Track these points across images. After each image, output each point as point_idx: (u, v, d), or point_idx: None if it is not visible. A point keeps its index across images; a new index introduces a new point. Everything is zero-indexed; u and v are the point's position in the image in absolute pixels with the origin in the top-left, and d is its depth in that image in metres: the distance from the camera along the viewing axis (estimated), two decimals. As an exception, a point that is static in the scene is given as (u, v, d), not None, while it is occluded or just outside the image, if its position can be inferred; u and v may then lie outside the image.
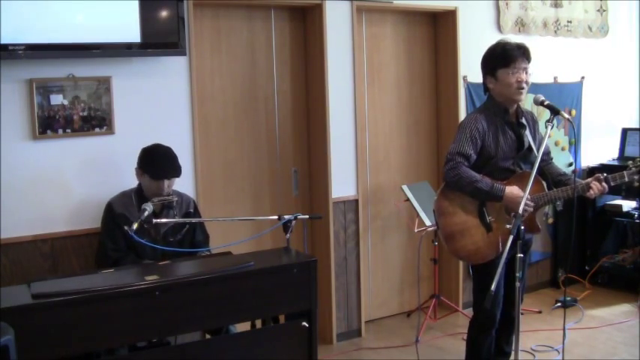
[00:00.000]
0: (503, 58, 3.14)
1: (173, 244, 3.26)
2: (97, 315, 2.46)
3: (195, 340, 3.10)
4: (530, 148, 3.23)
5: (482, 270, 3.18)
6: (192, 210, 3.43)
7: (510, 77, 3.12)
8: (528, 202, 3.01)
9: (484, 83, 3.27)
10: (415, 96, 4.89)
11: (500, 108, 3.20)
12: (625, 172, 3.11)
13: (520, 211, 2.74)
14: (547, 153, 3.38)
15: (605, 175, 3.13)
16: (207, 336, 3.23)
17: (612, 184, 3.12)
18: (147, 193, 3.26)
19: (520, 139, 3.21)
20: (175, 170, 3.28)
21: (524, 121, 3.25)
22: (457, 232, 3.16)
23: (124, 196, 3.31)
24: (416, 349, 4.14)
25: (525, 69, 3.15)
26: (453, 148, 3.14)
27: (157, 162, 3.24)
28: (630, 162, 3.16)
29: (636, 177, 3.11)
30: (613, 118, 5.67)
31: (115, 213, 3.23)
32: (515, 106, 3.23)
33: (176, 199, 3.26)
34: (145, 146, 3.33)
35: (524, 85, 3.14)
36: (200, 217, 3.49)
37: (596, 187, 3.08)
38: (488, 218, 3.14)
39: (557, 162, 5.28)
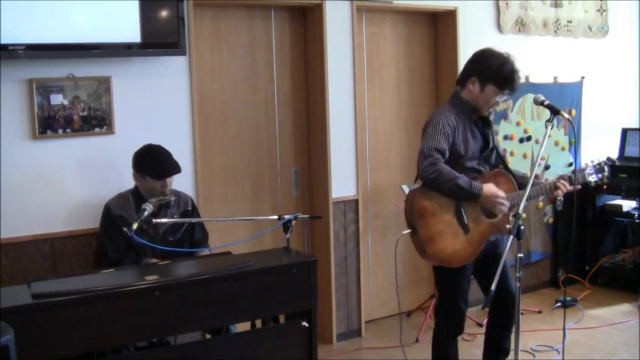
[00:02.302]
0: (502, 81, 3.07)
1: (172, 243, 3.26)
2: (97, 315, 2.46)
3: (195, 340, 3.10)
4: (492, 148, 3.22)
5: (451, 273, 3.13)
6: (190, 208, 3.43)
7: (494, 98, 3.11)
8: (505, 200, 3.05)
9: (464, 78, 3.16)
10: (415, 96, 4.89)
11: (468, 107, 3.15)
12: (585, 172, 3.23)
13: (504, 210, 2.86)
14: (504, 156, 3.38)
15: (569, 175, 3.17)
16: (208, 336, 3.23)
17: (575, 183, 3.16)
18: (145, 194, 3.25)
19: (486, 138, 3.19)
20: (176, 166, 3.29)
21: (491, 118, 3.25)
22: (436, 233, 3.04)
23: (121, 197, 3.31)
24: (402, 351, 4.14)
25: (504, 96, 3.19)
26: (429, 143, 3.01)
27: (157, 162, 3.24)
28: (591, 162, 3.28)
29: (592, 178, 3.23)
30: (613, 118, 5.67)
31: (113, 215, 3.23)
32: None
33: (173, 198, 3.26)
34: (136, 150, 3.30)
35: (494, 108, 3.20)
36: (198, 214, 3.49)
37: (563, 186, 3.12)
38: (466, 219, 3.07)
39: (557, 162, 5.34)
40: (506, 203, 3.06)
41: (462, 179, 3.00)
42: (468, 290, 3.23)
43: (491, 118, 2.99)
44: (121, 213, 3.23)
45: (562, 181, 3.13)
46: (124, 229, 3.14)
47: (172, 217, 3.27)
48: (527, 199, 2.89)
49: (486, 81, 3.08)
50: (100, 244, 3.29)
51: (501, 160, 3.31)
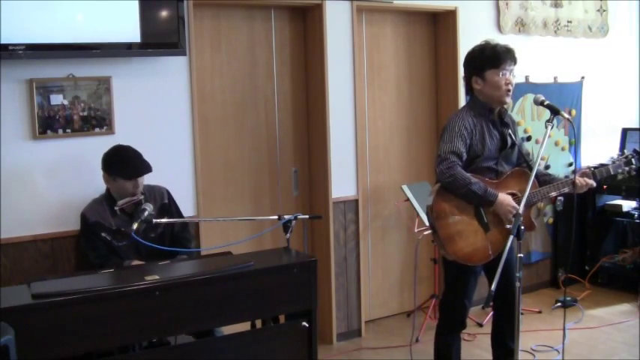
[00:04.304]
0: (493, 59, 3.12)
1: (155, 239, 3.24)
2: (97, 315, 2.45)
3: (195, 340, 3.09)
4: (512, 146, 3.22)
5: (461, 269, 3.15)
6: (166, 201, 3.40)
7: (500, 79, 3.11)
8: (517, 207, 3.00)
9: (467, 83, 3.25)
10: (415, 96, 4.89)
11: (485, 107, 3.18)
12: (610, 166, 3.24)
13: (511, 218, 2.84)
14: (527, 154, 3.38)
15: (592, 169, 3.18)
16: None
17: (599, 177, 3.20)
18: (116, 196, 3.23)
19: (503, 137, 3.20)
20: (147, 166, 3.25)
21: (507, 120, 3.26)
22: (455, 233, 3.08)
23: (95, 203, 3.30)
24: (411, 351, 4.14)
25: (512, 71, 3.15)
26: (446, 147, 3.07)
27: (126, 163, 3.21)
28: (615, 156, 3.27)
29: (619, 170, 3.23)
30: (613, 118, 5.67)
31: (90, 222, 3.22)
32: (499, 106, 3.23)
33: (142, 197, 3.23)
34: (105, 151, 3.28)
35: (511, 88, 3.14)
36: (176, 205, 3.45)
37: (582, 181, 3.13)
38: (486, 218, 3.11)
39: (557, 162, 5.34)
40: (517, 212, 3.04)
41: (477, 185, 3.03)
42: (474, 288, 3.25)
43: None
44: (97, 219, 3.22)
45: (585, 178, 3.15)
46: (103, 234, 3.18)
47: (150, 214, 3.25)
48: (546, 196, 3.12)
49: (482, 70, 3.13)
50: (82, 254, 3.28)
51: (524, 159, 3.30)
